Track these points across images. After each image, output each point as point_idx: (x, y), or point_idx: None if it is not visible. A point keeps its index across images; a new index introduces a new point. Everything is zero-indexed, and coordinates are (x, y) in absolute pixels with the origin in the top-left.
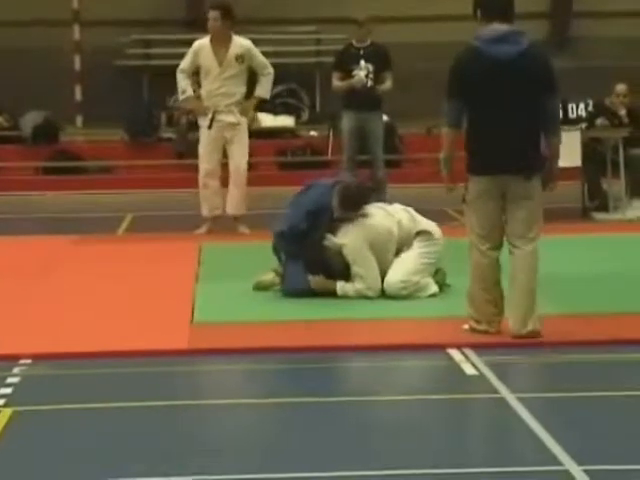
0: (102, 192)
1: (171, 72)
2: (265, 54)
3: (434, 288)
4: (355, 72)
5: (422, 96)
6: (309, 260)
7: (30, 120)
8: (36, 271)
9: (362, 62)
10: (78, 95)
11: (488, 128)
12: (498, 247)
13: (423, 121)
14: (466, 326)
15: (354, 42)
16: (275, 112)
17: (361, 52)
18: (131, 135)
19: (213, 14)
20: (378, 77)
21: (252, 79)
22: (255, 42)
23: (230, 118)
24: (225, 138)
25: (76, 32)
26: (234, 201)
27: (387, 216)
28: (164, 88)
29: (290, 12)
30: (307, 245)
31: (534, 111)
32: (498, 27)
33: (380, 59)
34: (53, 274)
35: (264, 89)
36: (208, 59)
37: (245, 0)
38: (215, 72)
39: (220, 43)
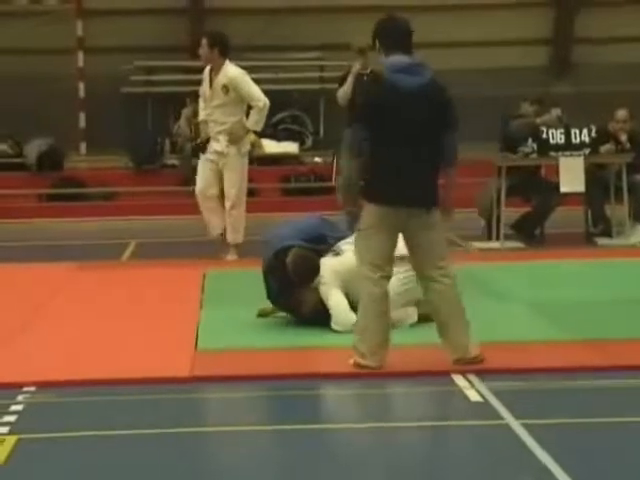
0: (106, 219)
1: (175, 99)
2: (268, 81)
3: (412, 319)
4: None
5: None
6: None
7: (35, 147)
8: (40, 298)
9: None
10: (82, 122)
11: (392, 158)
12: (389, 277)
13: None
14: (351, 360)
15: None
16: (279, 138)
17: (365, 78)
18: (135, 162)
19: (202, 42)
20: None
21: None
22: (258, 68)
23: (216, 146)
24: (219, 165)
25: (80, 59)
26: (228, 228)
27: None
28: (168, 115)
29: (293, 39)
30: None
31: (435, 144)
32: (401, 58)
33: None
34: (57, 301)
35: (252, 121)
36: (205, 86)
37: (249, 26)
38: (208, 99)
39: (214, 71)
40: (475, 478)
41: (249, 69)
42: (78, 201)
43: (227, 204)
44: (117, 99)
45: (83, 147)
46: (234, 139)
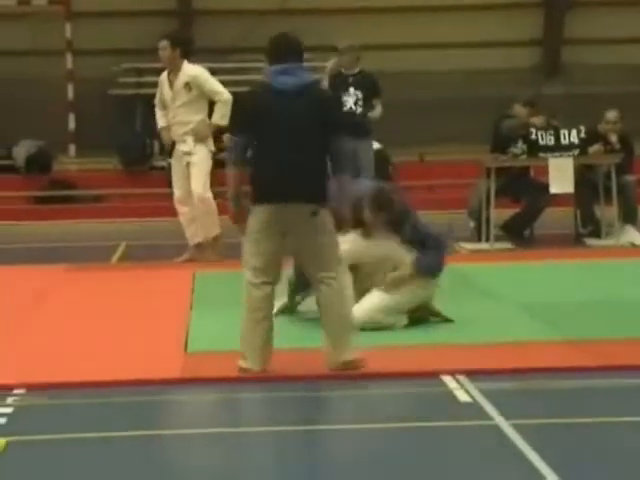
0: (95, 221)
1: None
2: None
3: (402, 322)
4: (344, 99)
5: (411, 124)
6: None
7: (23, 149)
8: (30, 300)
9: (351, 89)
10: (71, 124)
11: (270, 157)
12: (273, 282)
13: (416, 148)
14: (238, 363)
15: (343, 69)
16: None
17: (350, 79)
18: (124, 164)
19: (162, 44)
20: (367, 104)
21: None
22: (246, 70)
23: (183, 147)
24: (186, 166)
25: (69, 61)
26: (200, 226)
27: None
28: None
29: None
30: None
31: (318, 144)
32: (283, 64)
33: (369, 86)
34: (47, 303)
35: (218, 115)
36: (165, 90)
37: (237, 28)
38: (170, 102)
39: (173, 73)
40: (464, 479)
41: (237, 71)
42: (67, 203)
43: (195, 198)
44: (106, 101)
45: (72, 149)
46: (200, 138)
